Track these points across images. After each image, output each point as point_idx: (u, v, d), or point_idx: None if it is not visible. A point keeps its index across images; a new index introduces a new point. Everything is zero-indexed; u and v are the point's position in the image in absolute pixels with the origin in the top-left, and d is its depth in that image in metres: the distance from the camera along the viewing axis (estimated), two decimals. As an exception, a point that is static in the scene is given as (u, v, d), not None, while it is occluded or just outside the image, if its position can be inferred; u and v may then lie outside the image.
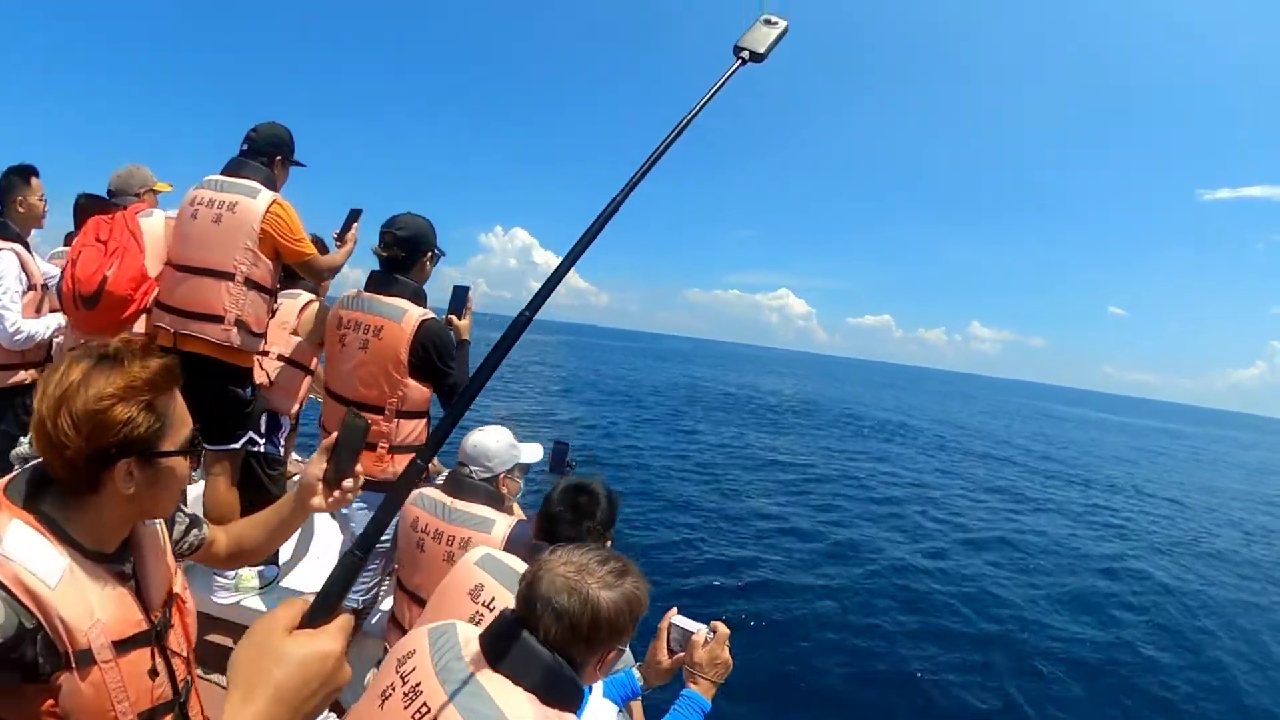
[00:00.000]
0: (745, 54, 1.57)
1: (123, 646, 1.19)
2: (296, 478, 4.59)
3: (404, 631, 2.51)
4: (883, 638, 7.11)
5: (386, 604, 3.31)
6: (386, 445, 2.83)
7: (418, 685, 1.24)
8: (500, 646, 1.24)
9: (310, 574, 3.73)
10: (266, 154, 3.17)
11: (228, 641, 3.32)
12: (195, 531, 1.53)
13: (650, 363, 58.83)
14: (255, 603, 3.28)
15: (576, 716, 1.27)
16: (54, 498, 1.17)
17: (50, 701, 1.12)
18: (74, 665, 1.12)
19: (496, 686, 1.19)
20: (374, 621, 3.20)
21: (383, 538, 2.89)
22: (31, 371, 3.59)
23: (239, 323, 3.00)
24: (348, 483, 1.43)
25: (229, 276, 2.98)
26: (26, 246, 3.55)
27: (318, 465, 1.44)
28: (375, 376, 2.81)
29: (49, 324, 3.53)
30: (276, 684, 0.78)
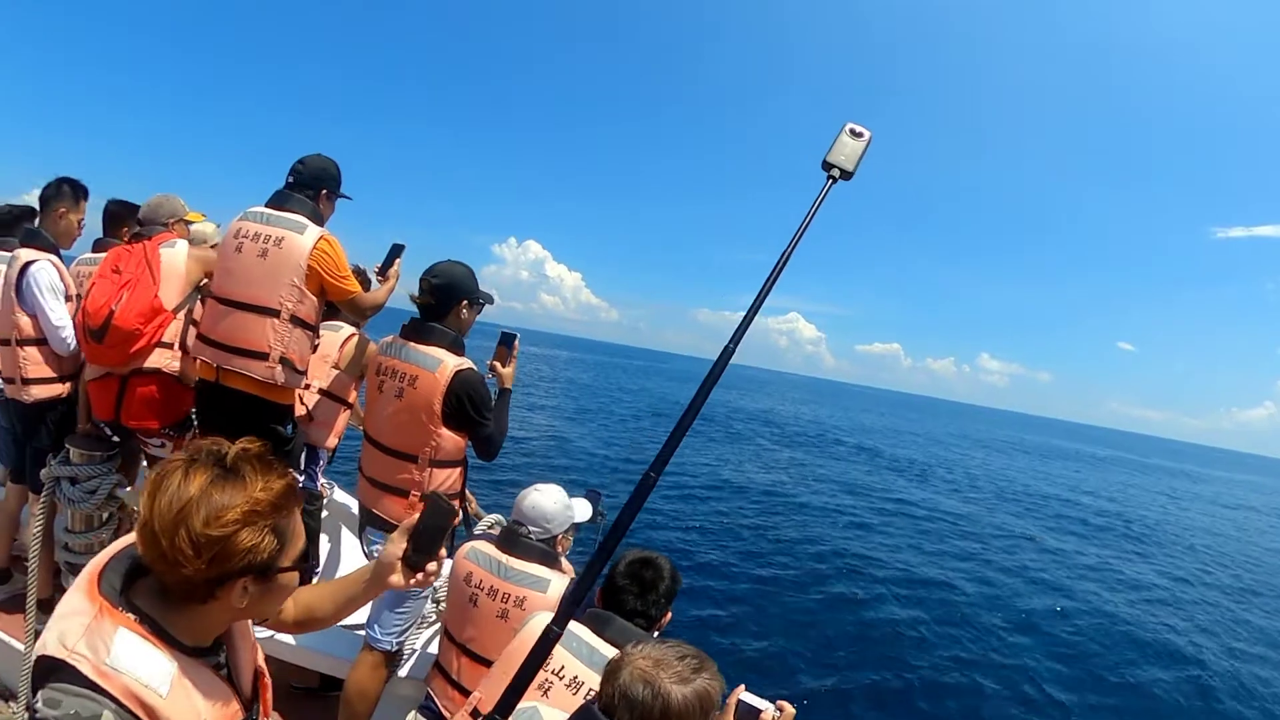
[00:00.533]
0: (836, 173, 1.61)
1: None
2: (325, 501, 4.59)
3: (449, 680, 2.59)
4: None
5: (418, 642, 3.28)
6: (419, 494, 2.80)
7: None
8: None
9: None
10: (313, 187, 3.13)
11: None
12: None
13: (663, 384, 58.27)
14: (288, 637, 3.22)
15: None
16: (151, 593, 1.14)
17: None
18: None
19: None
20: (410, 664, 3.18)
21: (420, 593, 2.89)
22: (67, 385, 3.58)
23: (283, 360, 2.96)
24: (431, 566, 1.42)
25: (274, 313, 2.93)
26: (60, 256, 3.56)
27: (397, 545, 1.43)
28: (409, 425, 2.78)
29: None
30: None
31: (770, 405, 52.46)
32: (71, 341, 3.41)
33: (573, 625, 2.01)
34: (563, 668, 1.89)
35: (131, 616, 1.09)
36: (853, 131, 1.64)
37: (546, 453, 16.69)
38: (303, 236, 2.94)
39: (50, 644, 1.05)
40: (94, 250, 3.76)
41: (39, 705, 0.99)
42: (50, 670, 1.03)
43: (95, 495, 3.26)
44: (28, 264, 3.37)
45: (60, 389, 3.55)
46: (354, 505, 3.65)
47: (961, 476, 25.82)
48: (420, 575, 1.41)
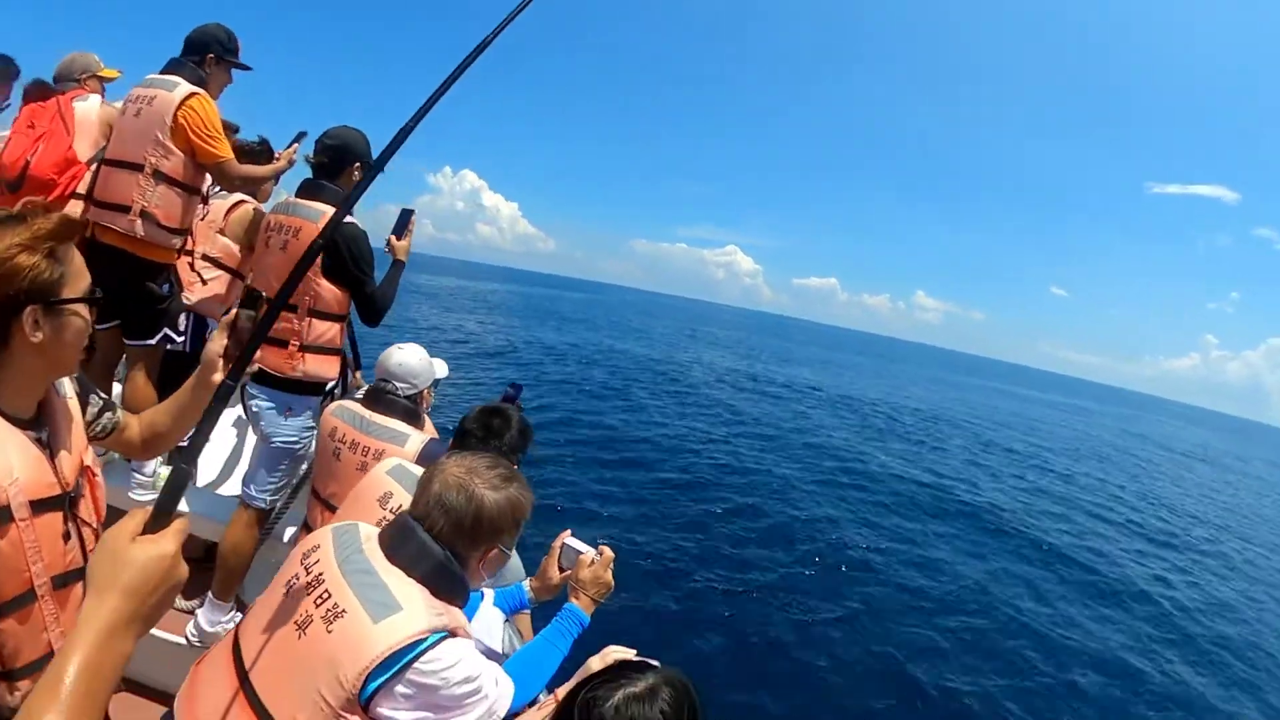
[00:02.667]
0: None
1: (38, 507, 1.21)
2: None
3: None
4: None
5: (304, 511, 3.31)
6: (298, 343, 2.82)
7: (320, 575, 1.33)
8: (397, 541, 1.35)
9: (224, 474, 3.73)
10: (199, 52, 3.13)
11: None
12: (109, 415, 1.53)
13: (601, 315, 55.51)
14: None
15: (465, 616, 1.39)
16: None
17: None
18: None
19: (392, 577, 1.30)
20: (291, 530, 3.21)
21: (295, 443, 2.92)
22: None
23: (145, 214, 2.99)
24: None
25: (139, 168, 2.98)
26: None
27: (219, 341, 1.47)
28: (289, 275, 2.79)
29: None
30: (123, 584, 0.88)
31: (717, 347, 49.53)
32: None
33: (416, 469, 2.06)
34: (400, 506, 1.93)
35: None
36: None
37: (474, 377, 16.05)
38: (172, 94, 2.97)
39: None
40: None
41: None
42: None
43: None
44: None
45: None
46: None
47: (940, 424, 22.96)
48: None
